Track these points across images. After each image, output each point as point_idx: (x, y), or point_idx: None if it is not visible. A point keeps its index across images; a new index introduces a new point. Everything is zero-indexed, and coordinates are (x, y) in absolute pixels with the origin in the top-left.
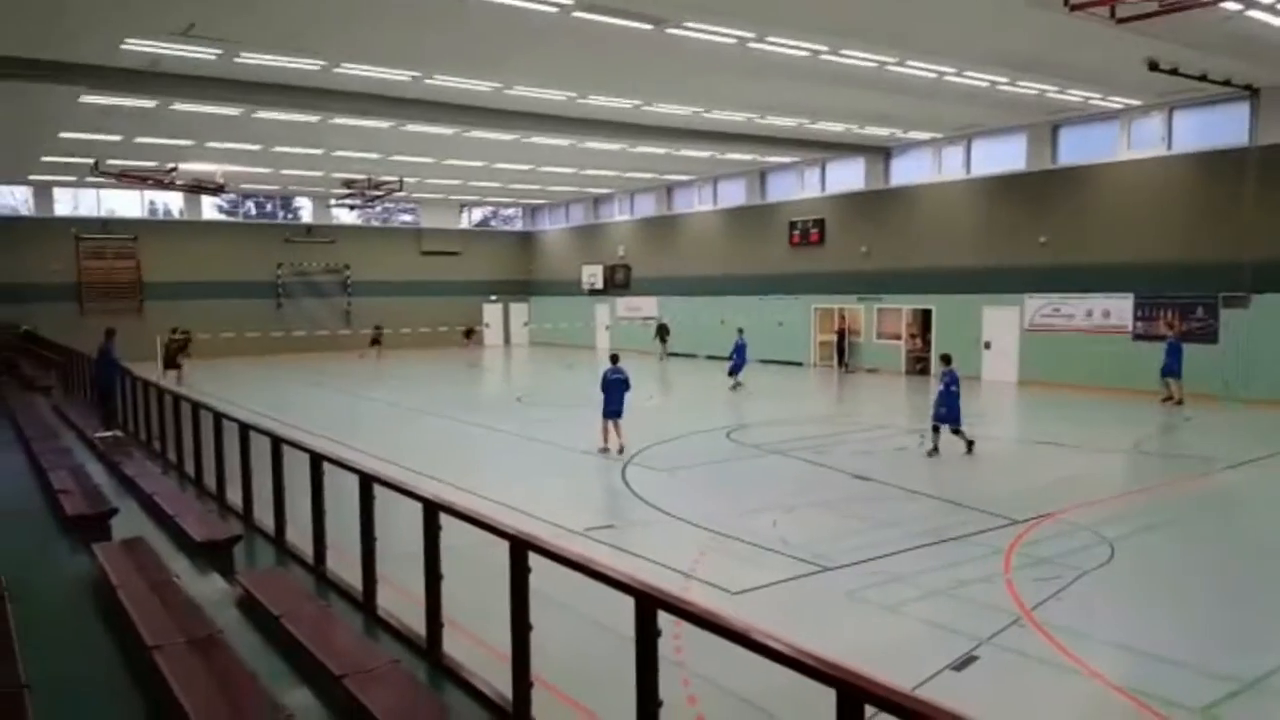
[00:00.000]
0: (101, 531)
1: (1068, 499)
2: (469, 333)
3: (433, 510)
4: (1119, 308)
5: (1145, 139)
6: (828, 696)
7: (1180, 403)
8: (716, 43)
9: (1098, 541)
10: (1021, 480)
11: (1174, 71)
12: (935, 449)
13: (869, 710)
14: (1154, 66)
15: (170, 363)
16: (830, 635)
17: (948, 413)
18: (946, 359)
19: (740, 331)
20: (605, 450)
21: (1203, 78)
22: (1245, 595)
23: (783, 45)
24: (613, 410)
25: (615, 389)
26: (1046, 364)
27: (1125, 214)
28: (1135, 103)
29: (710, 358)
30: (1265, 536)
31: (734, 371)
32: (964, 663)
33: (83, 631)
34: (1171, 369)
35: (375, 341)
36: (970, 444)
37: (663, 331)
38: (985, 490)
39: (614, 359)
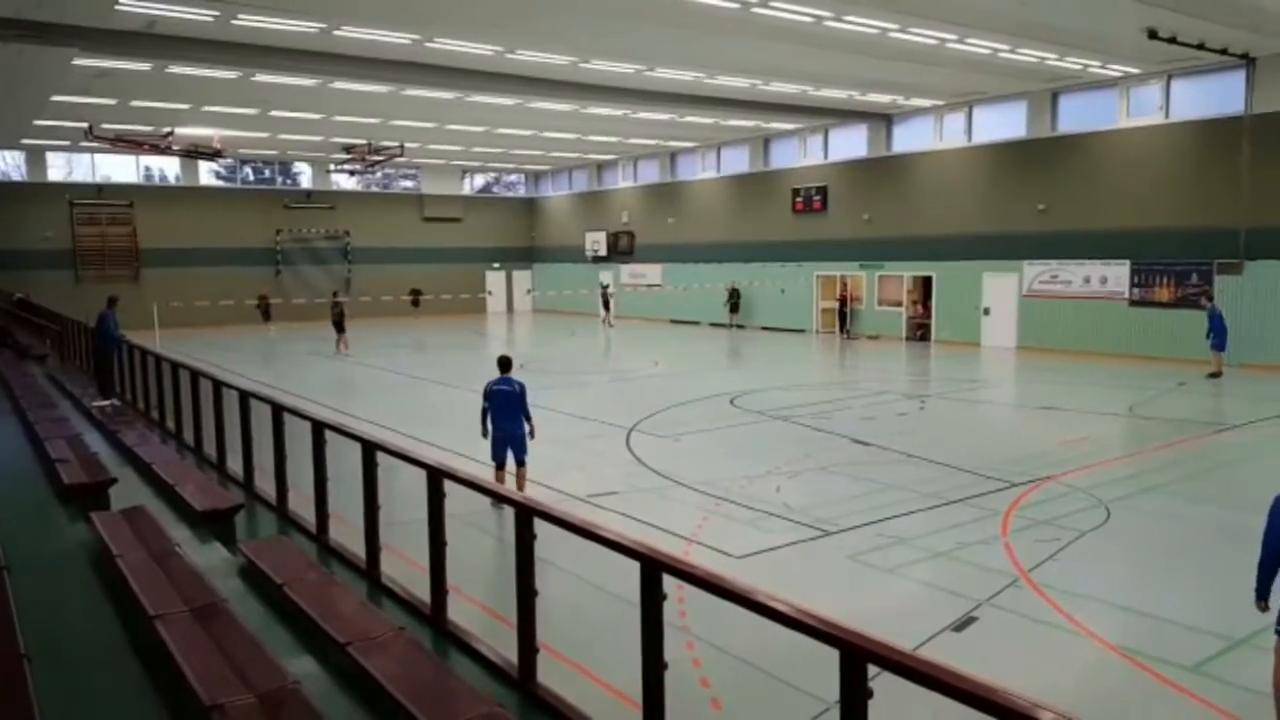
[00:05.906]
0: (100, 501)
1: (1065, 462)
2: (416, 299)
3: (436, 477)
4: (1116, 274)
5: (1143, 107)
6: (830, 657)
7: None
8: (719, 6)
9: (1094, 504)
10: (1020, 444)
11: (1172, 40)
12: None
13: (871, 670)
14: (1153, 34)
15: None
16: (832, 598)
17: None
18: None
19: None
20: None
21: (1200, 46)
22: (1238, 554)
23: (785, 9)
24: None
25: (506, 408)
26: (1044, 330)
27: (1123, 181)
28: (1134, 71)
29: (714, 325)
30: (1259, 496)
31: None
32: (963, 624)
33: (83, 602)
34: (1219, 343)
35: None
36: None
37: (735, 297)
38: (984, 454)
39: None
